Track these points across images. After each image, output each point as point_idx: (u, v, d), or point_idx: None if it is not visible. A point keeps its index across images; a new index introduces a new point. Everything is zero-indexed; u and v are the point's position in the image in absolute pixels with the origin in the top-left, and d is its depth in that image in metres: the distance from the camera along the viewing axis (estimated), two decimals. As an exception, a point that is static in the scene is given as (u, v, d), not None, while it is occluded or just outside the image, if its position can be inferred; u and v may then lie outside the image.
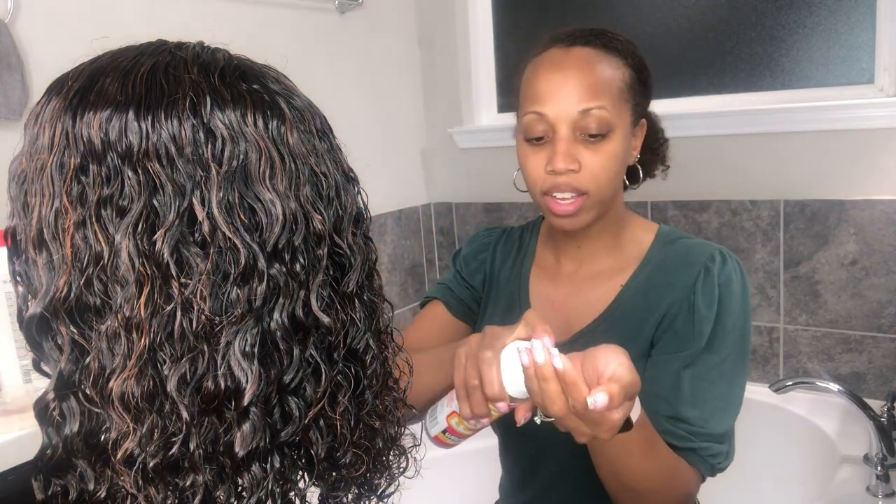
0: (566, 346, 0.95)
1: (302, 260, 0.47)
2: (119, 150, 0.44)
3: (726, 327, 0.88)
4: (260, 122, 0.46)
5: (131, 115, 0.44)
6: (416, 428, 0.61)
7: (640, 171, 0.97)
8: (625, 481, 0.81)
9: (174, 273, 0.44)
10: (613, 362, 0.65)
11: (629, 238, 0.98)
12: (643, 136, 0.95)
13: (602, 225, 0.95)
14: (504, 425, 1.01)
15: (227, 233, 0.44)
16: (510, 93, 2.05)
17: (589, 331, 0.95)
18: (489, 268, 1.08)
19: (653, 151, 1.00)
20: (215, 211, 0.44)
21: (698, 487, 0.89)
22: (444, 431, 0.77)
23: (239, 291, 0.45)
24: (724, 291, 0.88)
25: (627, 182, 0.97)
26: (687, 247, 0.94)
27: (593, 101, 0.85)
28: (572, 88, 0.86)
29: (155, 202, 0.44)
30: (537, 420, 0.70)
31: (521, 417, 0.71)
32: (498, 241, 1.10)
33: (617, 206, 0.95)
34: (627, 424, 0.69)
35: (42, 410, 0.47)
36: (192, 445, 0.44)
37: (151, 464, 0.44)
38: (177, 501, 0.45)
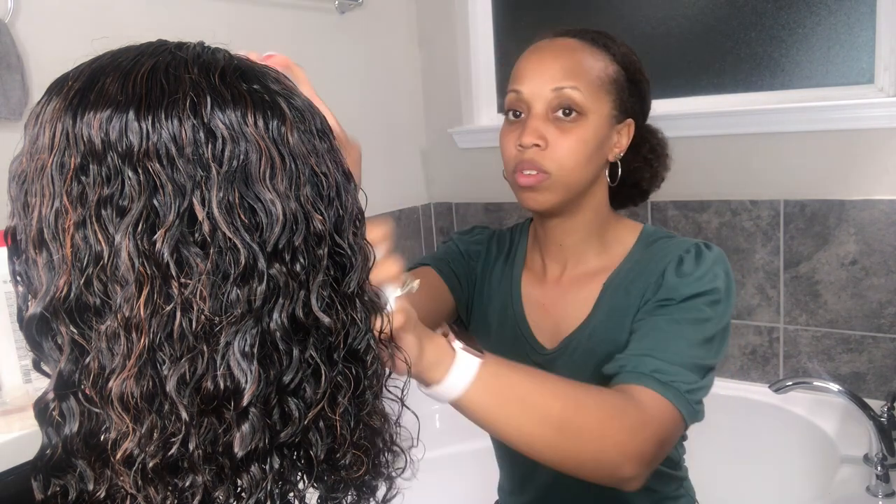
0: (555, 354, 0.95)
1: (302, 260, 0.47)
2: (119, 150, 0.43)
3: (699, 287, 0.84)
4: (260, 122, 0.46)
5: (132, 115, 0.44)
6: (413, 428, 0.61)
7: (620, 168, 0.95)
8: (528, 441, 0.70)
9: (174, 273, 0.43)
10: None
11: (613, 238, 0.97)
12: (629, 136, 0.94)
13: (582, 221, 0.94)
14: None
15: (227, 233, 0.44)
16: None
17: (575, 337, 0.94)
18: (482, 264, 1.07)
19: (646, 161, 0.99)
20: (215, 211, 0.44)
21: (673, 428, 0.78)
22: None
23: (239, 291, 0.45)
24: (692, 261, 0.87)
25: (610, 181, 0.95)
26: (667, 244, 0.93)
27: (566, 81, 0.88)
28: (548, 68, 0.89)
29: (155, 202, 0.44)
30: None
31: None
32: (490, 239, 1.10)
33: (596, 202, 0.95)
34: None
35: (42, 410, 0.47)
36: (191, 446, 0.44)
37: (151, 464, 0.44)
38: (176, 502, 0.45)
